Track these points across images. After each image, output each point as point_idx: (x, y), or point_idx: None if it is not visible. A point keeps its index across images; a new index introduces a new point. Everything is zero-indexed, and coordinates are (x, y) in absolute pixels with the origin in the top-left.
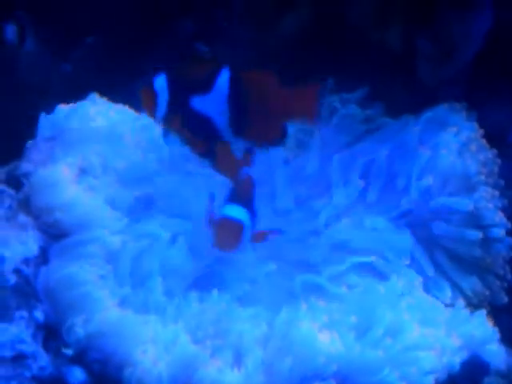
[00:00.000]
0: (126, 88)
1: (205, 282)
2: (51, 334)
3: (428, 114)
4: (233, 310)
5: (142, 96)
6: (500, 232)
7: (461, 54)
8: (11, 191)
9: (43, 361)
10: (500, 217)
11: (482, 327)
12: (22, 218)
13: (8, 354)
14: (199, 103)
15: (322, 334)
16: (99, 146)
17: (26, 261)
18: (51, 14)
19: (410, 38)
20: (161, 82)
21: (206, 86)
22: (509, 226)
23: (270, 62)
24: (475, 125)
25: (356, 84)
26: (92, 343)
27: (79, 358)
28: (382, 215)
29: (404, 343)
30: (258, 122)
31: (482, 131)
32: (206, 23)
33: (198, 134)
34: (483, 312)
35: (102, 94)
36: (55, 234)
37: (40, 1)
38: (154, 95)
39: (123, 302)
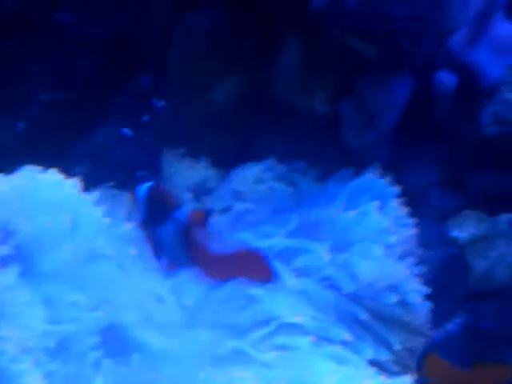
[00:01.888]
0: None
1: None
2: None
3: (353, 183)
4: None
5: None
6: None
7: (382, 120)
8: None
9: None
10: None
11: None
12: None
13: None
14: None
15: None
16: None
17: None
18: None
19: (335, 105)
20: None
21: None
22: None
23: (205, 128)
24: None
25: (287, 149)
26: None
27: None
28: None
29: None
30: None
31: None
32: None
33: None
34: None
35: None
36: None
37: None
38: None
39: None
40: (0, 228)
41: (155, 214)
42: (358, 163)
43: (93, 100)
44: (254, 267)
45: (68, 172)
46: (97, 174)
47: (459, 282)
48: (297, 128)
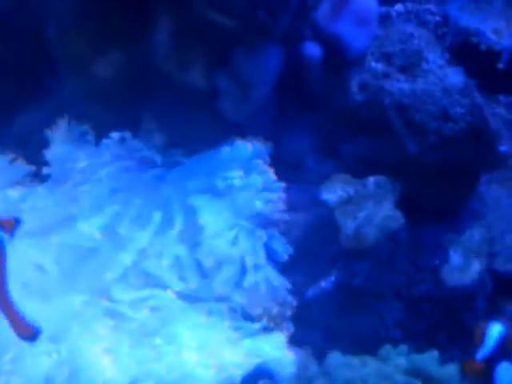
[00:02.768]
0: None
1: None
2: None
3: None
4: None
5: None
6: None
7: (256, 90)
8: None
9: None
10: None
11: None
12: None
13: None
14: None
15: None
16: None
17: None
18: None
19: (211, 78)
20: None
21: None
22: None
23: (92, 103)
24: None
25: (166, 123)
26: None
27: None
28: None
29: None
30: None
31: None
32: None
33: None
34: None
35: None
36: None
37: None
38: None
39: None
40: None
41: None
42: (236, 134)
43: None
44: None
45: None
46: None
47: (330, 242)
48: (176, 101)
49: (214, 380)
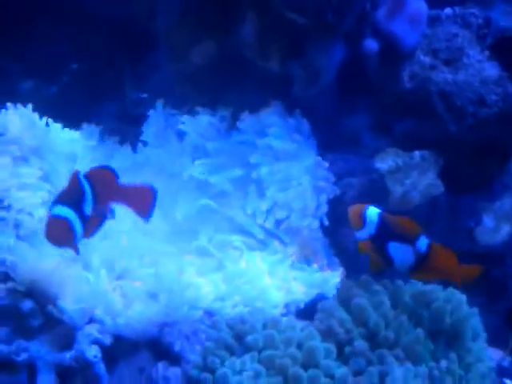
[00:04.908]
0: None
1: None
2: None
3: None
4: None
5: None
6: None
7: (322, 76)
8: None
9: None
10: None
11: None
12: None
13: None
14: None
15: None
16: None
17: None
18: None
19: (287, 66)
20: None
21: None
22: None
23: (187, 88)
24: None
25: (249, 101)
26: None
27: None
28: None
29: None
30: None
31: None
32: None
33: None
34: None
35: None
36: None
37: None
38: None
39: None
40: None
41: None
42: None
43: (111, 70)
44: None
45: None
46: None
47: (381, 203)
48: (258, 84)
49: (283, 300)
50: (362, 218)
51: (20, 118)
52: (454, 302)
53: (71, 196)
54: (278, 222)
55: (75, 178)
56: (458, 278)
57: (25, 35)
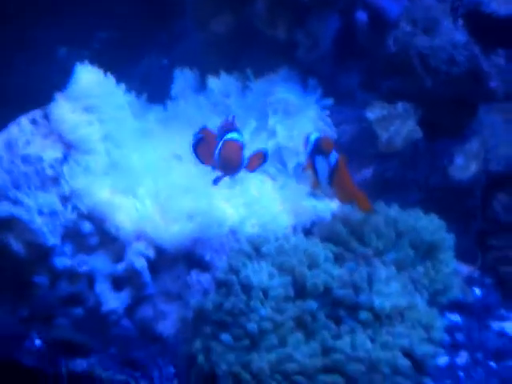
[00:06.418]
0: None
1: None
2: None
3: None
4: None
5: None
6: None
7: (322, 42)
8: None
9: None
10: None
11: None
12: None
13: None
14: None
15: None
16: None
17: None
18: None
19: (291, 34)
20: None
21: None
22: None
23: (210, 53)
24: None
25: (261, 65)
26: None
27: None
28: None
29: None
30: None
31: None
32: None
33: None
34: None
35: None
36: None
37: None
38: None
39: None
40: None
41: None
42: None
43: (138, 37)
44: None
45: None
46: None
47: (370, 146)
48: (268, 50)
49: (292, 222)
50: (306, 141)
51: (89, 73)
52: (434, 224)
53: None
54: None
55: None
56: (350, 198)
57: (58, 9)
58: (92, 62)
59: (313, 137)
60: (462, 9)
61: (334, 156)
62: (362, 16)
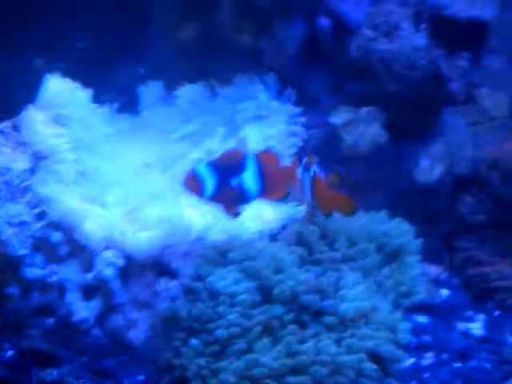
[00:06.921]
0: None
1: None
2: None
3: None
4: None
5: (187, 182)
6: None
7: (288, 48)
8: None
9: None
10: None
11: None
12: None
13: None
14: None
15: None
16: None
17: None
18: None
19: (257, 40)
20: (203, 170)
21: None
22: None
23: (178, 60)
24: None
25: (229, 72)
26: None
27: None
28: None
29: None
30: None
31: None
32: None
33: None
34: None
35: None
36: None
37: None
38: (198, 181)
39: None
40: None
41: None
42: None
43: (115, 46)
44: None
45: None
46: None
47: (336, 150)
48: (235, 56)
49: (259, 227)
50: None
51: (57, 83)
52: (400, 228)
53: (224, 164)
54: None
55: (240, 152)
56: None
57: (34, 18)
58: (68, 71)
59: (303, 159)
60: (426, 13)
61: (313, 168)
62: (324, 22)
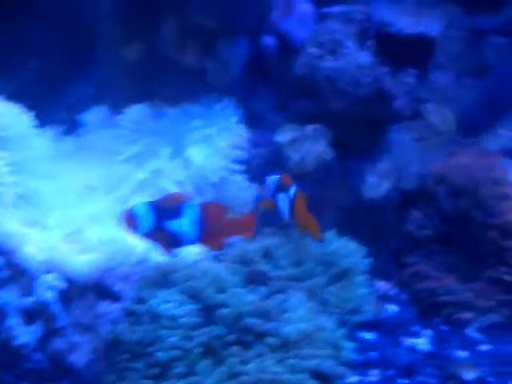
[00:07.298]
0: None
1: None
2: None
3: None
4: None
5: (124, 218)
6: None
7: (232, 67)
8: None
9: None
10: None
11: None
12: None
13: None
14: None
15: None
16: None
17: None
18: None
19: (202, 60)
20: (140, 208)
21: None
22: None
23: (122, 78)
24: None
25: (173, 91)
26: None
27: None
28: None
29: None
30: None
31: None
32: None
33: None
34: None
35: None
36: None
37: None
38: (133, 218)
39: None
40: None
41: None
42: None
43: (66, 66)
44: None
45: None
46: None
47: (282, 168)
48: (180, 76)
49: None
50: (267, 184)
51: None
52: (348, 248)
53: (165, 206)
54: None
55: (183, 197)
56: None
57: None
58: (19, 92)
59: (273, 178)
60: (372, 31)
61: (293, 189)
62: (269, 41)
